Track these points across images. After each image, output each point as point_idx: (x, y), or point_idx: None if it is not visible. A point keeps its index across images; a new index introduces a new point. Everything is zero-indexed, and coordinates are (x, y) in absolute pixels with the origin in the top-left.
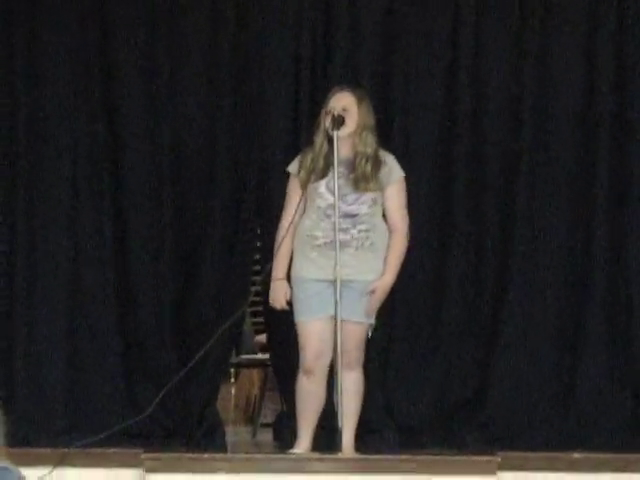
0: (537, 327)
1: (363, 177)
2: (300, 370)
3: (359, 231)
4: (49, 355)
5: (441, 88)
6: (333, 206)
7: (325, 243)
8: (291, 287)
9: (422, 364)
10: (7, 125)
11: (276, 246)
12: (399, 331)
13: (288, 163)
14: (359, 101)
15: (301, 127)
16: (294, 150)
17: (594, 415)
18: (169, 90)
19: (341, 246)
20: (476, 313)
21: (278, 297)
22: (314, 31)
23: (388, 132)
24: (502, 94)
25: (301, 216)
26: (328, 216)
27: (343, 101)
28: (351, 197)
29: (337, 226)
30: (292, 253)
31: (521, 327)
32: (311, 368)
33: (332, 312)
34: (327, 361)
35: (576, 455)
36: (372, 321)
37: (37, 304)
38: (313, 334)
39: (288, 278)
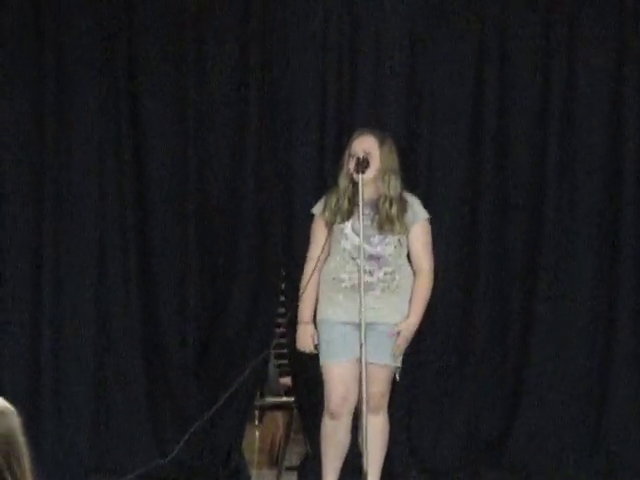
0: (563, 370)
1: (388, 219)
2: (325, 413)
3: (384, 273)
4: (76, 396)
5: (467, 129)
6: (358, 248)
7: (351, 286)
8: (316, 329)
9: (447, 406)
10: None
11: (302, 288)
12: (424, 373)
13: (313, 206)
14: (381, 144)
15: (326, 170)
16: (319, 193)
17: (622, 458)
18: (195, 132)
19: (366, 288)
20: (501, 356)
21: (305, 340)
22: (339, 73)
23: (413, 174)
24: (528, 134)
25: (326, 258)
26: (354, 258)
27: (365, 144)
28: (376, 239)
29: (362, 268)
30: (317, 296)
31: (547, 369)
32: (336, 411)
33: (358, 355)
34: (352, 404)
35: None
36: (398, 364)
37: (63, 344)
38: (338, 377)
39: (314, 320)
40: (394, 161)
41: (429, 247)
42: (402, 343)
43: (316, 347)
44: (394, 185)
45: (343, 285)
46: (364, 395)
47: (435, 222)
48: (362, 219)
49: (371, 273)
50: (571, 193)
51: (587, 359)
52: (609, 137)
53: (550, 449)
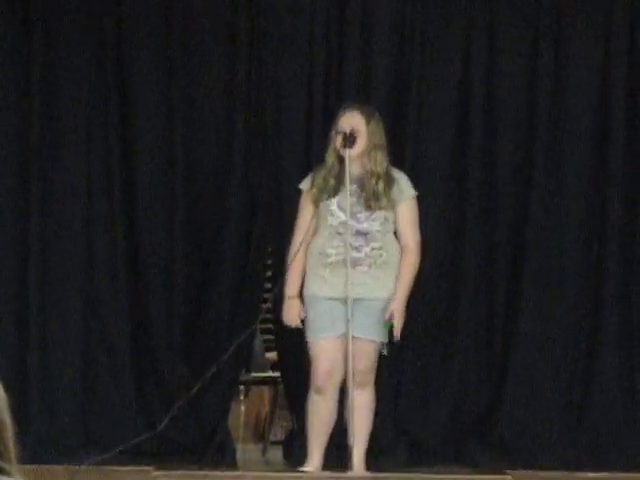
0: (550, 346)
1: (374, 195)
2: (311, 388)
3: (372, 249)
4: (62, 373)
5: (454, 107)
6: (345, 224)
7: (337, 261)
8: (303, 304)
9: (433, 382)
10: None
11: (288, 263)
12: (410, 349)
13: (300, 181)
14: (368, 120)
15: (313, 146)
16: (306, 169)
17: (609, 434)
18: (183, 109)
19: (353, 264)
20: (488, 332)
21: (292, 315)
22: (327, 50)
23: (401, 150)
24: (515, 113)
25: (313, 234)
26: (340, 234)
27: (352, 120)
28: (363, 215)
29: (349, 244)
30: (304, 271)
31: (534, 346)
32: (322, 386)
33: (344, 330)
34: (338, 379)
35: (589, 475)
36: (384, 339)
37: (51, 324)
38: (324, 352)
39: (300, 296)
40: (381, 137)
41: (415, 224)
42: (399, 320)
43: (302, 322)
44: (380, 161)
45: (329, 260)
46: (350, 370)
47: (423, 198)
48: (349, 195)
49: (358, 249)
50: (558, 172)
51: (573, 337)
52: (597, 119)
53: (536, 426)
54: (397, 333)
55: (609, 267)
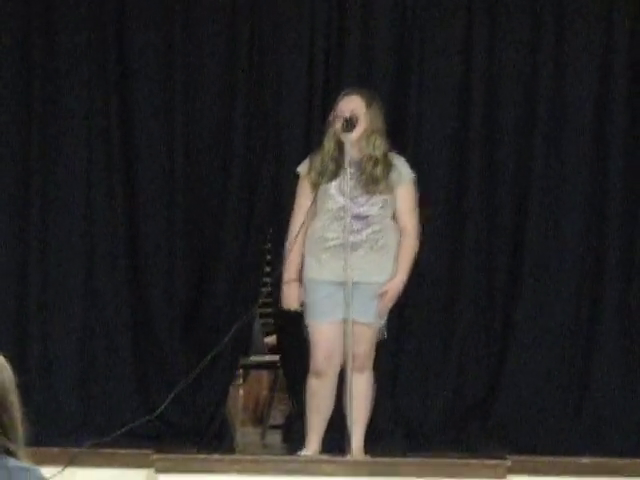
0: (549, 332)
1: (372, 179)
2: (310, 372)
3: (371, 232)
4: (61, 355)
5: (455, 90)
6: (344, 208)
7: (336, 245)
8: (303, 289)
9: (432, 367)
10: (22, 122)
11: (287, 248)
12: (409, 334)
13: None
14: (367, 104)
15: (313, 130)
16: (306, 153)
17: (607, 420)
18: (183, 92)
19: (352, 248)
20: (487, 317)
21: (291, 299)
22: (327, 34)
23: (401, 135)
24: (517, 101)
25: (312, 218)
26: (339, 218)
27: (351, 104)
28: (362, 199)
29: (348, 228)
30: (303, 255)
31: (533, 332)
32: (321, 370)
33: (343, 314)
34: (337, 363)
35: (586, 460)
36: (383, 323)
37: (50, 305)
38: (324, 336)
39: (300, 280)
40: (381, 121)
41: (414, 207)
42: (389, 302)
43: (301, 305)
44: (379, 145)
45: (328, 244)
46: (349, 353)
47: (423, 182)
48: (348, 179)
49: (358, 232)
50: (559, 159)
51: (573, 322)
52: (597, 109)
53: (535, 411)
54: (383, 314)
55: (609, 253)
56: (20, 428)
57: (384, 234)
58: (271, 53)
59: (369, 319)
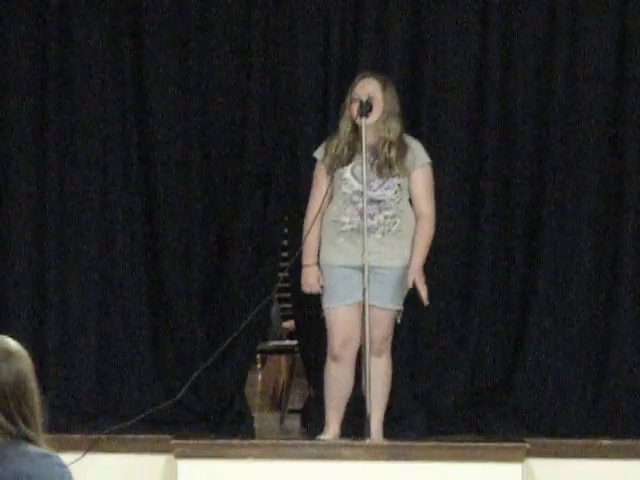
0: (567, 313)
1: (387, 163)
2: (328, 356)
3: (385, 217)
4: (80, 341)
5: (471, 75)
6: (359, 192)
7: (352, 229)
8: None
9: (450, 350)
10: (38, 119)
11: (305, 232)
12: (427, 317)
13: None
14: (383, 87)
15: (329, 115)
16: (322, 137)
17: (625, 402)
18: (198, 79)
19: (367, 232)
20: (505, 299)
21: (311, 282)
22: (343, 18)
23: (417, 118)
24: (532, 85)
25: (328, 202)
26: (354, 202)
27: (368, 88)
28: (376, 183)
29: (365, 212)
30: (320, 239)
31: (551, 313)
32: (339, 354)
33: (360, 298)
34: (355, 347)
35: (606, 442)
36: (400, 307)
37: (69, 291)
38: (341, 320)
39: (318, 264)
40: (396, 104)
41: (430, 191)
42: (422, 286)
43: (322, 288)
44: (394, 128)
45: (343, 229)
46: (367, 337)
47: (440, 165)
48: (364, 163)
49: (371, 216)
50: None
51: (591, 304)
52: (613, 97)
53: (554, 394)
54: (425, 299)
55: (626, 235)
56: (39, 415)
57: (399, 218)
58: (287, 37)
59: (386, 303)
